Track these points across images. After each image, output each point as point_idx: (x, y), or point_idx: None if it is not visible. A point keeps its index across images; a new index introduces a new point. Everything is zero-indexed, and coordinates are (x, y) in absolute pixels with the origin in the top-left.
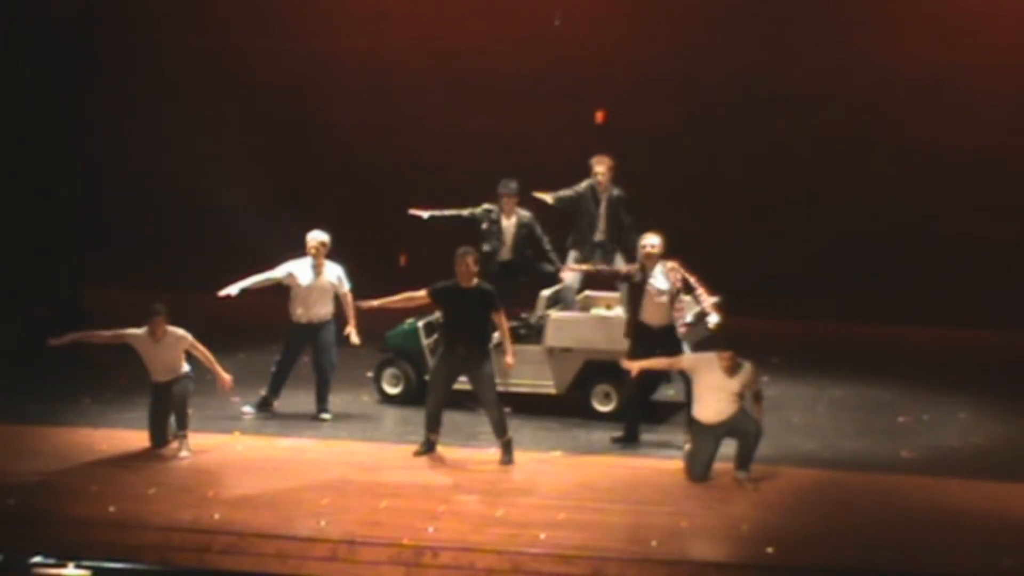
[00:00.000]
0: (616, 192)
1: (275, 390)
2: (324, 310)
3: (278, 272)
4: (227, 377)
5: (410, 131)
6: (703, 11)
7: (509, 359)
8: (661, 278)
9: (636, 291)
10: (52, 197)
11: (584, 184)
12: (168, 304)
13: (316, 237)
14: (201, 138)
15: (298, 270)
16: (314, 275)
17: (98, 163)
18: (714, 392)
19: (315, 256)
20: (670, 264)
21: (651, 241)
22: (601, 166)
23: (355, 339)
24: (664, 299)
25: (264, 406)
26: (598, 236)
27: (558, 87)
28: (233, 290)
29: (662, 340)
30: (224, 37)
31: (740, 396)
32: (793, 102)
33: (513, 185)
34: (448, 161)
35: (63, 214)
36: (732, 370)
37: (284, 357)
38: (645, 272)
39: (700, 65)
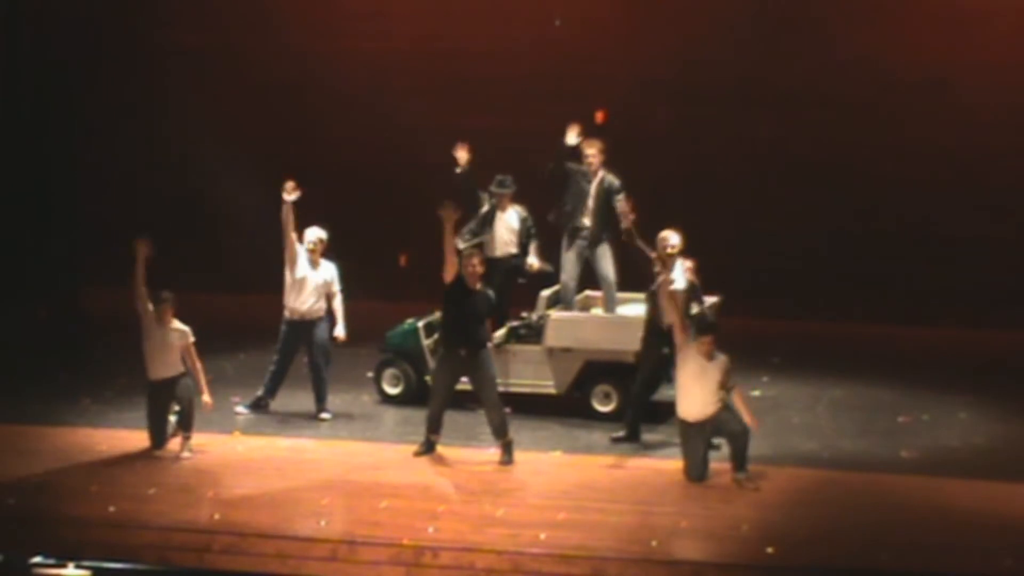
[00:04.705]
0: (608, 179)
1: (271, 390)
2: (316, 305)
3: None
4: (208, 400)
5: (410, 131)
6: (702, 12)
7: None
8: (679, 276)
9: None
10: (52, 197)
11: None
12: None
13: (315, 233)
14: (201, 138)
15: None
16: (310, 268)
17: (98, 163)
18: (696, 381)
19: (312, 252)
20: (688, 263)
21: (673, 241)
22: (592, 148)
23: (341, 334)
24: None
25: (258, 406)
26: (583, 221)
27: (558, 87)
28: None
29: (670, 338)
30: (224, 36)
31: (720, 391)
32: (793, 102)
33: (509, 181)
34: (448, 161)
35: (63, 214)
36: (710, 355)
37: (280, 357)
38: (665, 270)
39: (700, 65)
